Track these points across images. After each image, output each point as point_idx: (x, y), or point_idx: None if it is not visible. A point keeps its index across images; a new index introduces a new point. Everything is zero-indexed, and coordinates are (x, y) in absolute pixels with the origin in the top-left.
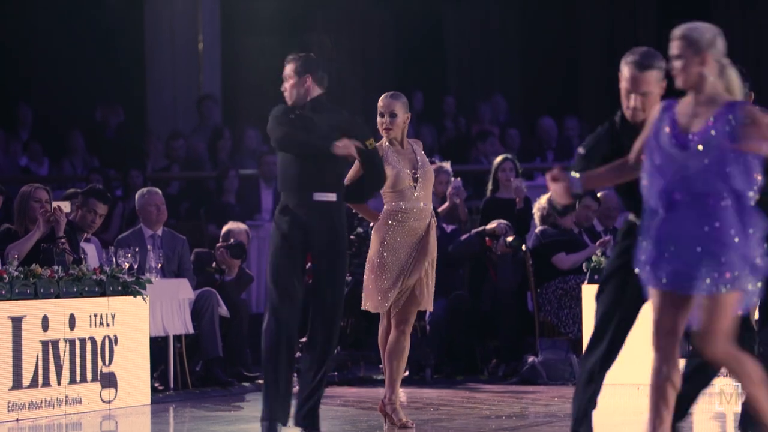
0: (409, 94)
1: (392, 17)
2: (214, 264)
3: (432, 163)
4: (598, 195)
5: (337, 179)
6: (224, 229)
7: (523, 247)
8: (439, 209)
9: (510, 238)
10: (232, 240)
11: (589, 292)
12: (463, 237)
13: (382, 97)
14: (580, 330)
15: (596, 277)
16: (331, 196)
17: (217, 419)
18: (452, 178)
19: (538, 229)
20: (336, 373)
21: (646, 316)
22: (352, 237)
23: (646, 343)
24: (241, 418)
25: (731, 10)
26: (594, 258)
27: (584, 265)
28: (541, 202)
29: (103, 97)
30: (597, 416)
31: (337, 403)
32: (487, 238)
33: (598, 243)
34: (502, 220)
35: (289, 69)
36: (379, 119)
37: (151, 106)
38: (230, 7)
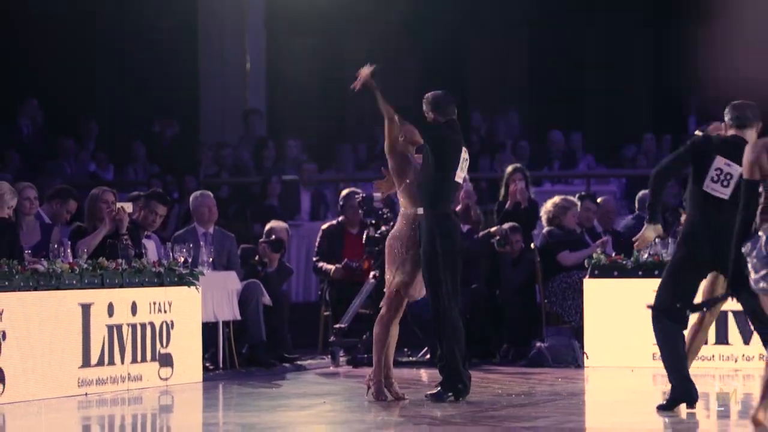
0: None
1: (422, 40)
2: (257, 257)
3: None
4: (598, 199)
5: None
6: (267, 226)
7: (532, 245)
8: (457, 209)
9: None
10: (273, 236)
11: (590, 286)
12: (473, 238)
13: None
14: (581, 319)
15: (596, 272)
16: None
17: (261, 395)
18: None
19: (546, 229)
20: (365, 356)
21: (643, 305)
22: (377, 235)
23: (639, 328)
24: (281, 395)
25: None
26: (594, 256)
27: (586, 261)
28: (547, 206)
29: (161, 112)
30: (592, 396)
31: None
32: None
33: (597, 242)
34: (506, 225)
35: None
36: None
37: (203, 119)
38: (275, 32)
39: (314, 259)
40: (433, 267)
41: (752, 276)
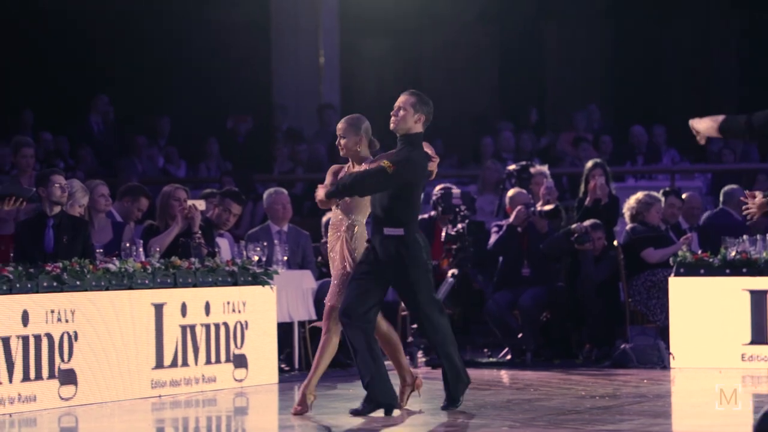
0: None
1: (497, 32)
2: (319, 258)
3: (531, 166)
4: (683, 195)
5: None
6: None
7: (615, 242)
8: (538, 206)
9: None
10: None
11: (675, 284)
12: (553, 236)
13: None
14: (667, 318)
15: (682, 270)
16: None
17: (337, 397)
18: (545, 179)
19: (629, 226)
20: None
21: (731, 304)
22: (453, 233)
23: (727, 328)
24: (358, 396)
25: None
26: (680, 253)
27: (671, 259)
28: (630, 202)
29: (234, 108)
30: (679, 398)
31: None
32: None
33: (682, 239)
34: (587, 222)
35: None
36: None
37: (276, 115)
38: (349, 29)
39: None
40: (428, 285)
41: None
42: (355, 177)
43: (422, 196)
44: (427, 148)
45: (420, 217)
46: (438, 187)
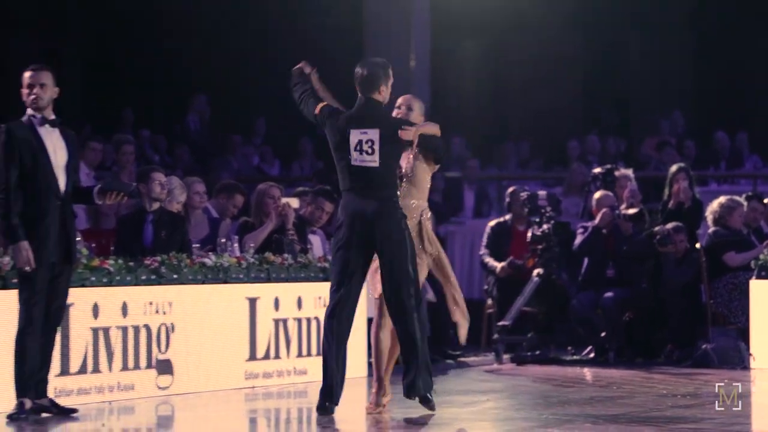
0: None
1: (584, 38)
2: None
3: (616, 170)
4: (765, 200)
5: None
6: None
7: (697, 245)
8: (621, 209)
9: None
10: None
11: (757, 287)
12: (637, 238)
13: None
14: (747, 320)
15: (763, 273)
16: None
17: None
18: (629, 183)
19: (711, 229)
20: (529, 354)
21: None
22: (539, 233)
23: None
24: (445, 391)
25: None
26: (761, 257)
27: (752, 262)
28: (713, 206)
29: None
30: (759, 399)
31: (531, 380)
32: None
33: (765, 243)
34: (670, 224)
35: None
36: None
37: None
38: (441, 32)
39: (481, 253)
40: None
41: None
42: (307, 93)
43: (344, 159)
44: (431, 127)
45: (495, 221)
46: (510, 189)
